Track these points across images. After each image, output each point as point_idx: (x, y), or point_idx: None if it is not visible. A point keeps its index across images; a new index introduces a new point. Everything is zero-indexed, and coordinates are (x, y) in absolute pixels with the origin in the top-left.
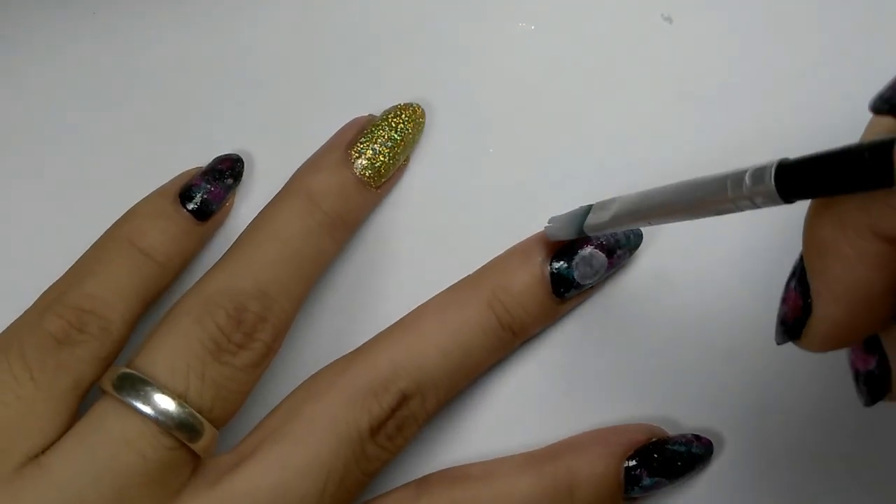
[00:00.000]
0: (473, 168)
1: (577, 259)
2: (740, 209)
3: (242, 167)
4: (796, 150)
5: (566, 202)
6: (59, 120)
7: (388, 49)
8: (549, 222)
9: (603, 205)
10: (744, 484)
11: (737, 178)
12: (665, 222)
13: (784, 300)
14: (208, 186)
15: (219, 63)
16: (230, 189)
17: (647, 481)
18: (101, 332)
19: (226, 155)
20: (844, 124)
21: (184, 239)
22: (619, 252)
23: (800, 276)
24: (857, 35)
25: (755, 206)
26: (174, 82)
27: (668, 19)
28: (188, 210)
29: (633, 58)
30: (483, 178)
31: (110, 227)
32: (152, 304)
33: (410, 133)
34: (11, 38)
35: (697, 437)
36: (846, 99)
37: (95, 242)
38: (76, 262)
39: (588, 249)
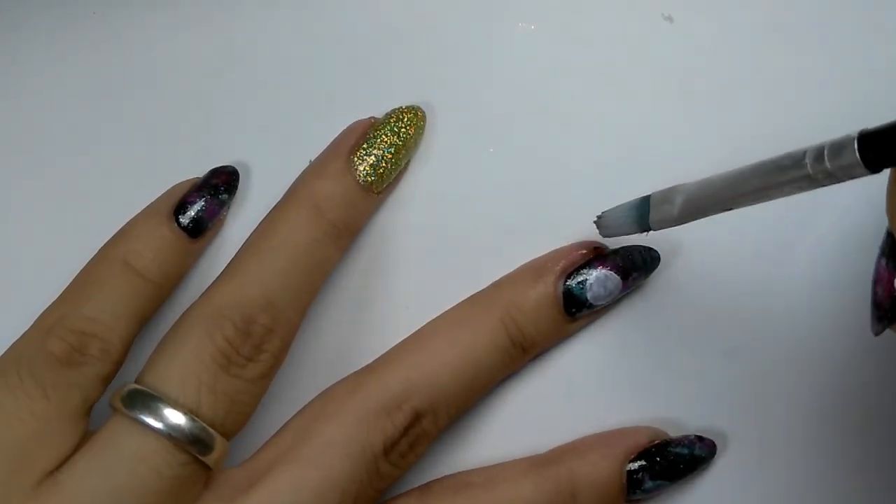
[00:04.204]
0: (473, 168)
1: (591, 280)
2: (820, 185)
3: (237, 180)
4: (797, 148)
5: (566, 202)
6: (57, 120)
7: (388, 49)
8: (598, 217)
9: (665, 197)
10: (747, 483)
11: (816, 152)
12: (739, 207)
13: (875, 282)
14: (203, 203)
15: (217, 64)
16: (224, 204)
17: (649, 484)
18: (102, 354)
19: (221, 168)
20: (845, 123)
21: (178, 258)
22: (634, 274)
23: (890, 251)
24: (857, 35)
25: (836, 179)
26: (174, 83)
27: (669, 19)
28: (182, 228)
29: (633, 57)
30: (483, 178)
31: (105, 245)
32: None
33: (412, 137)
34: (10, 38)
35: (700, 439)
36: (846, 98)
37: (91, 261)
38: (73, 281)
39: (603, 271)
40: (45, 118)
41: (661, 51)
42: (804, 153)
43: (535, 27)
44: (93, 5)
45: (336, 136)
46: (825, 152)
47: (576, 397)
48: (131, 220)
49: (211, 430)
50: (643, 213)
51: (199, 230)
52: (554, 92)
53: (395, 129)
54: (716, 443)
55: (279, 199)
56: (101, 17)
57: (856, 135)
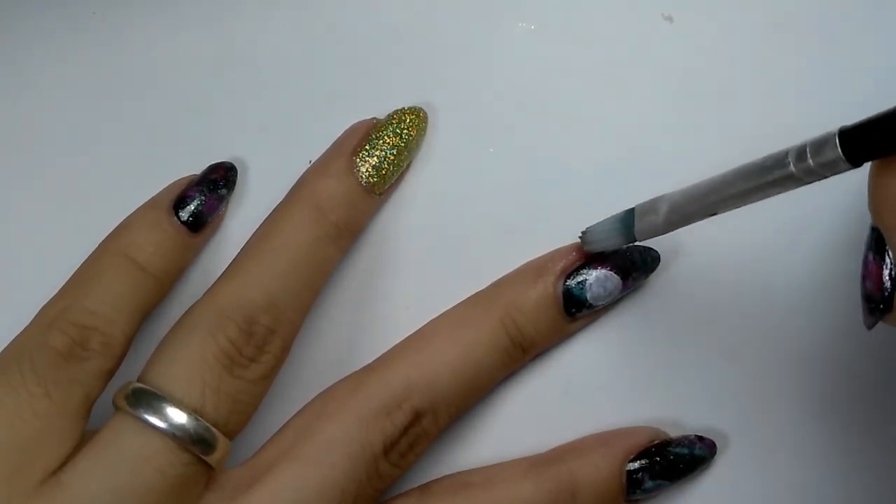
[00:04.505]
0: (473, 168)
1: (591, 280)
2: (803, 183)
3: (235, 175)
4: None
5: (566, 202)
6: (57, 120)
7: (388, 49)
8: (583, 233)
9: (650, 207)
10: (747, 483)
11: (798, 151)
12: (724, 211)
13: (865, 277)
14: (202, 198)
15: (217, 64)
16: (223, 199)
17: (649, 484)
18: (104, 348)
19: (219, 163)
20: (844, 123)
21: (178, 252)
22: (634, 275)
23: (877, 245)
24: (857, 35)
25: (819, 176)
26: (174, 83)
27: (669, 19)
28: (182, 222)
29: (633, 57)
30: (483, 178)
31: (106, 239)
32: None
33: (414, 138)
34: (10, 38)
35: (700, 438)
36: (846, 98)
37: (92, 254)
38: (74, 275)
39: (603, 271)
40: (45, 118)
41: (661, 51)
42: (786, 153)
43: (535, 27)
44: (93, 5)
45: (337, 136)
46: (807, 150)
47: (576, 397)
48: (131, 215)
49: (214, 430)
50: (628, 225)
51: (199, 224)
52: (554, 92)
53: (398, 131)
54: (716, 443)
55: (281, 199)
56: (101, 17)
57: (836, 131)
